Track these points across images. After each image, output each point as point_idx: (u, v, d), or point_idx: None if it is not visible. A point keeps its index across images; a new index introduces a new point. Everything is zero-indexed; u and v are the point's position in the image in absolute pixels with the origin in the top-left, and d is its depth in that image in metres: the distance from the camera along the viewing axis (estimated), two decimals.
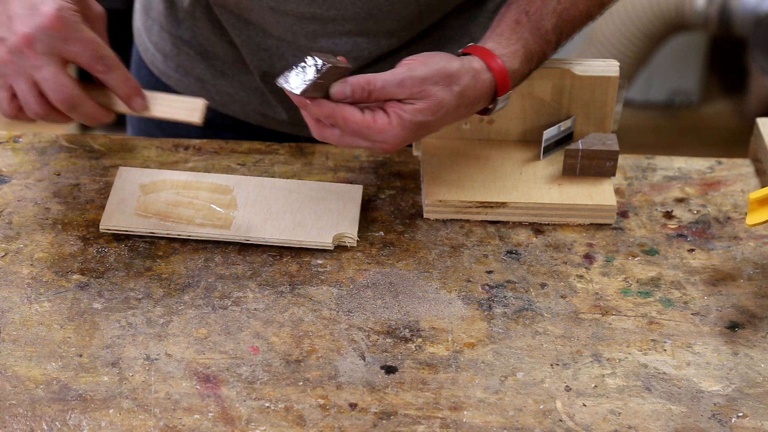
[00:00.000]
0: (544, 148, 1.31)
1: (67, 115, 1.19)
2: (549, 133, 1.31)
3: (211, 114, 1.46)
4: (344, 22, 1.33)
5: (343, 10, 1.32)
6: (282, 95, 1.41)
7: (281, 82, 1.16)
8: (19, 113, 1.19)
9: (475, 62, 1.20)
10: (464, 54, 1.22)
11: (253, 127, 1.47)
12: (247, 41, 1.38)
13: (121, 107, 1.22)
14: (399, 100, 1.17)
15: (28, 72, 1.15)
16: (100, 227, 1.23)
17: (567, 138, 1.33)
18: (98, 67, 1.17)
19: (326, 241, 1.23)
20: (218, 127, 1.47)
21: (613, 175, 1.31)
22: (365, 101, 1.17)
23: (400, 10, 1.33)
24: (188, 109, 1.23)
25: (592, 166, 1.30)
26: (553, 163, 1.32)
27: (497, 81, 1.21)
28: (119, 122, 1.42)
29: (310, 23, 1.33)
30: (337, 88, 1.16)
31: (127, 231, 1.23)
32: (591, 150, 1.30)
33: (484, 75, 1.20)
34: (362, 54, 1.36)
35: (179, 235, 1.23)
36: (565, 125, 1.32)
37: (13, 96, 1.18)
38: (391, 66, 1.20)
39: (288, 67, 1.17)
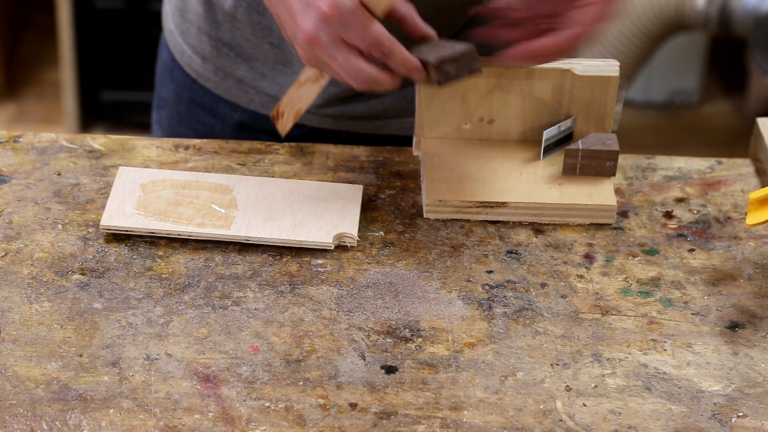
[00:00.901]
0: (544, 148, 1.31)
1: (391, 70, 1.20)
2: (549, 133, 1.31)
3: (249, 116, 1.47)
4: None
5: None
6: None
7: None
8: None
9: None
10: None
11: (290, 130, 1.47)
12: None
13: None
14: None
15: (326, 62, 1.18)
16: (100, 227, 1.23)
17: (567, 138, 1.33)
18: (376, 53, 1.17)
19: (326, 241, 1.23)
20: (255, 129, 1.47)
21: (613, 174, 1.31)
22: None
23: (470, 3, 1.34)
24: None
25: (592, 166, 1.30)
26: (553, 163, 1.32)
27: None
28: (130, 124, 1.43)
29: None
30: None
31: (127, 231, 1.23)
32: (591, 150, 1.30)
33: None
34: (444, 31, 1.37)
35: (179, 235, 1.23)
36: (565, 125, 1.32)
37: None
38: None
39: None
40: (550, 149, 1.32)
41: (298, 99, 1.31)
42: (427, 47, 1.22)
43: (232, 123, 1.47)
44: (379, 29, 1.17)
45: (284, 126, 1.33)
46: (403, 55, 1.19)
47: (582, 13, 1.21)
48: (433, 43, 1.23)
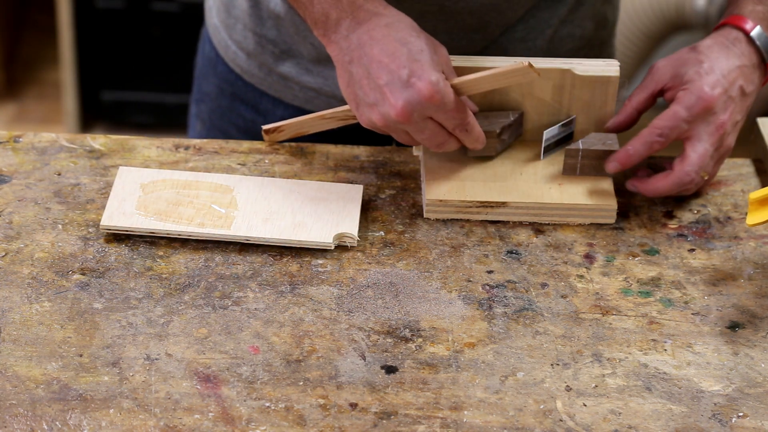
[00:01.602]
0: (544, 148, 1.31)
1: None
2: (549, 133, 1.31)
3: (291, 112, 1.47)
4: (468, 16, 1.33)
5: (471, 2, 1.34)
6: None
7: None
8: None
9: (727, 32, 1.29)
10: (720, 26, 1.30)
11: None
12: None
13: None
14: (668, 89, 1.28)
15: (404, 131, 1.23)
16: (101, 227, 1.23)
17: (567, 138, 1.33)
18: (459, 133, 1.24)
19: (327, 241, 1.23)
20: None
21: (611, 174, 1.31)
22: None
23: (524, 1, 1.35)
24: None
25: (593, 166, 1.30)
26: (553, 163, 1.32)
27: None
28: (124, 124, 1.43)
29: (432, 17, 1.33)
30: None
31: (127, 231, 1.23)
32: (591, 150, 1.30)
33: (729, 34, 1.28)
34: (475, 48, 1.38)
35: (179, 234, 1.23)
36: (565, 125, 1.32)
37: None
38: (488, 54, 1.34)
39: None
40: (550, 149, 1.32)
41: (309, 126, 1.34)
42: (479, 117, 1.31)
43: (274, 120, 1.47)
44: (468, 113, 1.23)
45: (274, 139, 1.36)
46: (479, 131, 1.25)
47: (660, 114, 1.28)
48: (482, 114, 1.32)
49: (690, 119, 1.25)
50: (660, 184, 1.27)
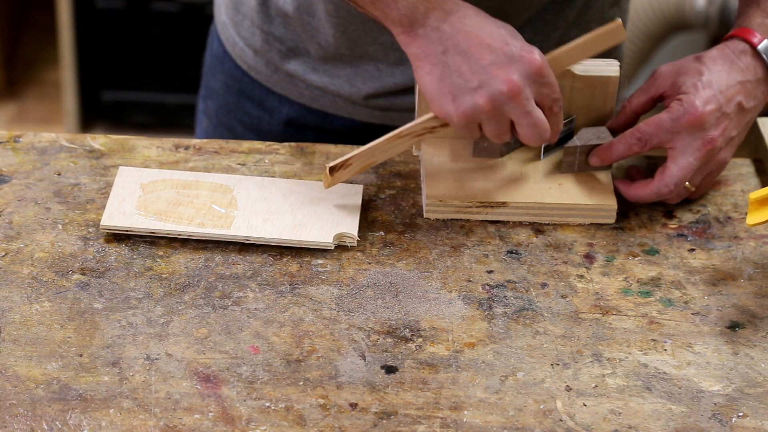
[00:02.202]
0: (544, 148, 1.31)
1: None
2: None
3: (297, 110, 1.47)
4: (478, 3, 1.34)
5: (528, 2, 1.35)
6: (368, 82, 1.42)
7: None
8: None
9: (733, 44, 1.29)
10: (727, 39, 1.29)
11: (337, 125, 1.47)
12: (365, 36, 1.38)
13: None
14: (667, 96, 1.28)
15: (510, 115, 1.20)
16: (101, 227, 1.23)
17: (567, 137, 1.33)
18: (554, 108, 1.22)
19: (327, 241, 1.23)
20: (301, 126, 1.47)
21: (610, 167, 1.31)
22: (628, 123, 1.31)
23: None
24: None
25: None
26: (554, 162, 1.32)
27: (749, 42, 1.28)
28: (126, 124, 1.44)
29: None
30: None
31: (127, 231, 1.23)
32: (588, 145, 1.30)
33: (735, 46, 1.28)
34: None
35: (179, 234, 1.23)
36: (565, 124, 1.31)
37: (475, 129, 1.22)
38: None
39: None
40: (550, 149, 1.32)
41: (381, 152, 1.27)
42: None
43: (280, 117, 1.47)
44: (558, 87, 1.22)
45: (336, 180, 1.26)
46: (562, 117, 1.25)
47: (673, 171, 1.27)
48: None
49: (674, 130, 1.24)
50: (639, 191, 1.28)
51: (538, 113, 1.20)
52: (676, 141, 1.25)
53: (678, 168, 1.25)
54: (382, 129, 1.42)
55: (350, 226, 1.25)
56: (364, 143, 1.28)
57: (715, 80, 1.25)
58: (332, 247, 1.23)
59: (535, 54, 1.18)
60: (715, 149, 1.25)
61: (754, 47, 1.27)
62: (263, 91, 1.48)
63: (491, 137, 1.22)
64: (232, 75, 1.52)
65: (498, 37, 1.19)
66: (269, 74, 1.47)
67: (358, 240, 1.24)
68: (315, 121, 1.46)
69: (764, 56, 1.26)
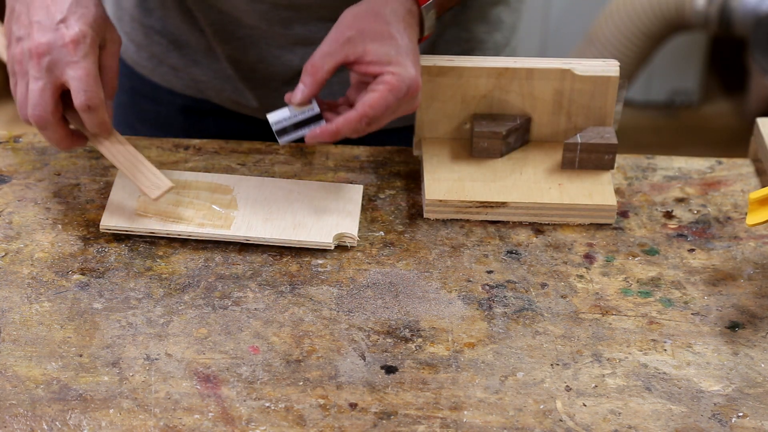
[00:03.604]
0: (276, 132, 1.25)
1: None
2: (275, 117, 1.25)
3: (190, 100, 1.47)
4: (319, 8, 1.34)
5: None
6: (253, 83, 1.42)
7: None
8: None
9: None
10: None
11: (231, 111, 1.47)
12: (220, 30, 1.39)
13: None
14: (361, 63, 1.20)
15: (26, 78, 1.20)
16: (100, 227, 1.23)
17: (312, 120, 1.25)
18: (79, 98, 1.19)
19: (327, 241, 1.23)
20: (201, 111, 1.48)
21: (612, 168, 1.31)
22: (320, 81, 1.21)
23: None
24: (153, 183, 1.24)
25: (591, 160, 1.31)
26: (554, 162, 1.32)
27: None
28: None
29: (285, 10, 1.34)
30: (295, 95, 1.22)
31: (127, 231, 1.23)
32: (590, 143, 1.30)
33: None
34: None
35: (179, 235, 1.23)
36: (300, 110, 1.25)
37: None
38: None
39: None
40: (285, 133, 1.25)
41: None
42: (487, 119, 1.31)
43: (175, 108, 1.47)
44: (96, 83, 1.20)
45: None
46: (103, 117, 1.21)
47: (367, 97, 1.21)
48: (489, 116, 1.32)
49: (397, 105, 1.21)
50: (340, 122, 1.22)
51: (42, 86, 1.18)
52: (399, 111, 1.22)
53: (383, 113, 1.22)
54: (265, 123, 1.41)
55: (350, 226, 1.25)
56: (358, 143, 1.31)
57: (408, 42, 1.22)
58: (332, 248, 1.23)
59: (72, 32, 1.18)
60: None
61: (419, 5, 1.24)
62: (152, 85, 1.48)
63: (17, 104, 1.21)
64: (122, 73, 1.51)
65: (61, 3, 1.20)
66: (153, 68, 1.47)
67: (357, 240, 1.24)
68: (213, 108, 1.46)
69: (425, 19, 1.25)
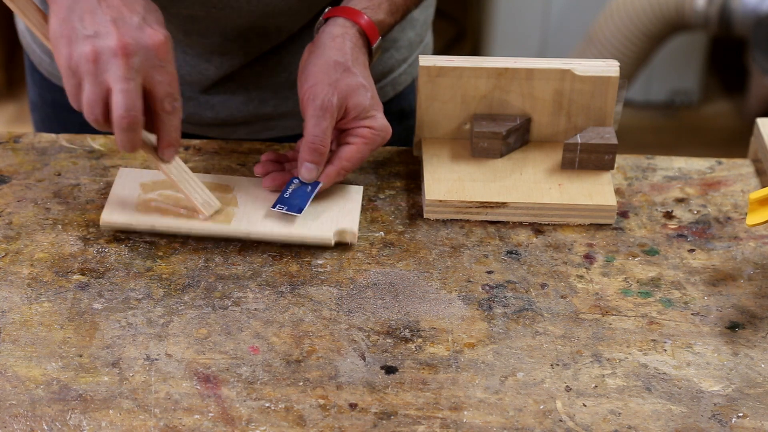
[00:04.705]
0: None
1: (110, 131, 1.17)
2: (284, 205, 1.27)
3: None
4: (237, 18, 1.34)
5: (238, 8, 1.33)
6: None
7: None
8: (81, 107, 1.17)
9: (338, 26, 1.27)
10: (327, 18, 1.28)
11: None
12: None
13: (148, 152, 1.21)
14: (342, 119, 1.25)
15: (105, 78, 1.13)
16: (101, 222, 1.23)
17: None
18: (167, 105, 1.16)
19: (327, 235, 1.23)
20: None
21: (612, 168, 1.31)
22: (326, 156, 1.25)
23: (294, 5, 1.35)
24: (206, 202, 1.24)
25: (591, 160, 1.31)
26: (554, 162, 1.32)
27: (367, 34, 1.28)
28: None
29: (203, 21, 1.34)
30: (305, 174, 1.25)
31: (127, 226, 1.23)
32: (589, 144, 1.30)
33: (352, 31, 1.27)
34: (253, 50, 1.39)
35: (179, 229, 1.23)
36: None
37: (79, 92, 1.15)
38: (279, 58, 1.36)
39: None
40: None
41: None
42: (486, 119, 1.32)
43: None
44: (178, 84, 1.18)
45: None
46: (180, 122, 1.19)
47: (344, 151, 1.26)
48: (489, 116, 1.33)
49: (370, 153, 1.27)
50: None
51: (135, 87, 1.13)
52: (369, 156, 1.28)
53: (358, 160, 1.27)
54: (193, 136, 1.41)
55: (350, 225, 1.25)
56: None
57: (372, 88, 1.27)
58: (332, 243, 1.23)
59: (161, 36, 1.14)
60: None
61: (370, 45, 1.29)
62: None
63: (86, 105, 1.14)
64: (42, 86, 1.50)
65: (135, 3, 1.15)
66: None
67: (357, 238, 1.24)
68: None
69: (373, 55, 1.30)
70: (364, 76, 1.26)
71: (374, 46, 1.29)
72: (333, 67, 1.24)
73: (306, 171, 1.24)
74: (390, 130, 1.27)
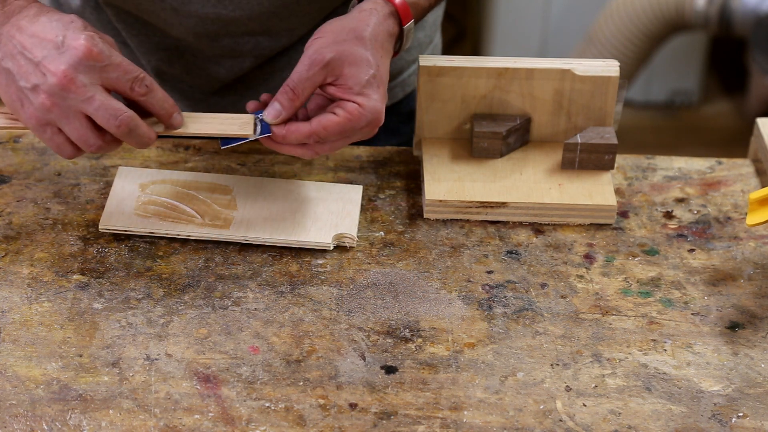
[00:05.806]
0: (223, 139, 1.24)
1: (120, 142, 1.17)
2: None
3: None
4: (248, 21, 1.33)
5: (249, 10, 1.32)
6: (179, 94, 1.42)
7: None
8: (78, 152, 1.17)
9: (369, 2, 1.22)
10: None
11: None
12: (145, 41, 1.38)
13: (160, 128, 1.19)
14: (333, 84, 1.18)
15: (77, 108, 1.13)
16: (100, 227, 1.23)
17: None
18: (138, 89, 1.15)
19: (326, 241, 1.23)
20: None
21: (612, 168, 1.31)
22: (298, 106, 1.18)
23: (304, 7, 1.34)
24: (239, 123, 1.20)
25: (591, 160, 1.31)
26: (554, 162, 1.32)
27: (400, 13, 1.22)
28: None
29: (213, 24, 1.33)
30: (269, 112, 1.18)
31: (126, 231, 1.23)
32: (590, 144, 1.30)
33: (383, 10, 1.21)
34: (263, 52, 1.38)
35: (178, 235, 1.23)
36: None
37: (68, 139, 1.15)
38: (289, 60, 1.31)
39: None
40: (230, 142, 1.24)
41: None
42: (486, 119, 1.32)
43: None
44: (135, 66, 1.15)
45: None
46: (163, 92, 1.17)
47: (324, 117, 1.19)
48: (489, 116, 1.32)
49: (354, 131, 1.19)
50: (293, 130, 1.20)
51: (104, 97, 1.12)
52: (353, 138, 1.21)
53: (341, 137, 1.20)
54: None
55: (349, 226, 1.25)
56: (358, 143, 1.31)
57: (383, 71, 1.21)
58: (331, 248, 1.23)
59: (81, 40, 1.12)
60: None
61: (401, 26, 1.24)
62: None
63: (80, 143, 1.14)
64: None
65: (51, 29, 1.14)
66: None
67: (357, 240, 1.24)
68: None
69: (404, 38, 1.25)
70: (375, 55, 1.20)
71: (406, 27, 1.23)
72: (345, 31, 1.19)
73: (272, 109, 1.18)
74: (382, 117, 1.19)
